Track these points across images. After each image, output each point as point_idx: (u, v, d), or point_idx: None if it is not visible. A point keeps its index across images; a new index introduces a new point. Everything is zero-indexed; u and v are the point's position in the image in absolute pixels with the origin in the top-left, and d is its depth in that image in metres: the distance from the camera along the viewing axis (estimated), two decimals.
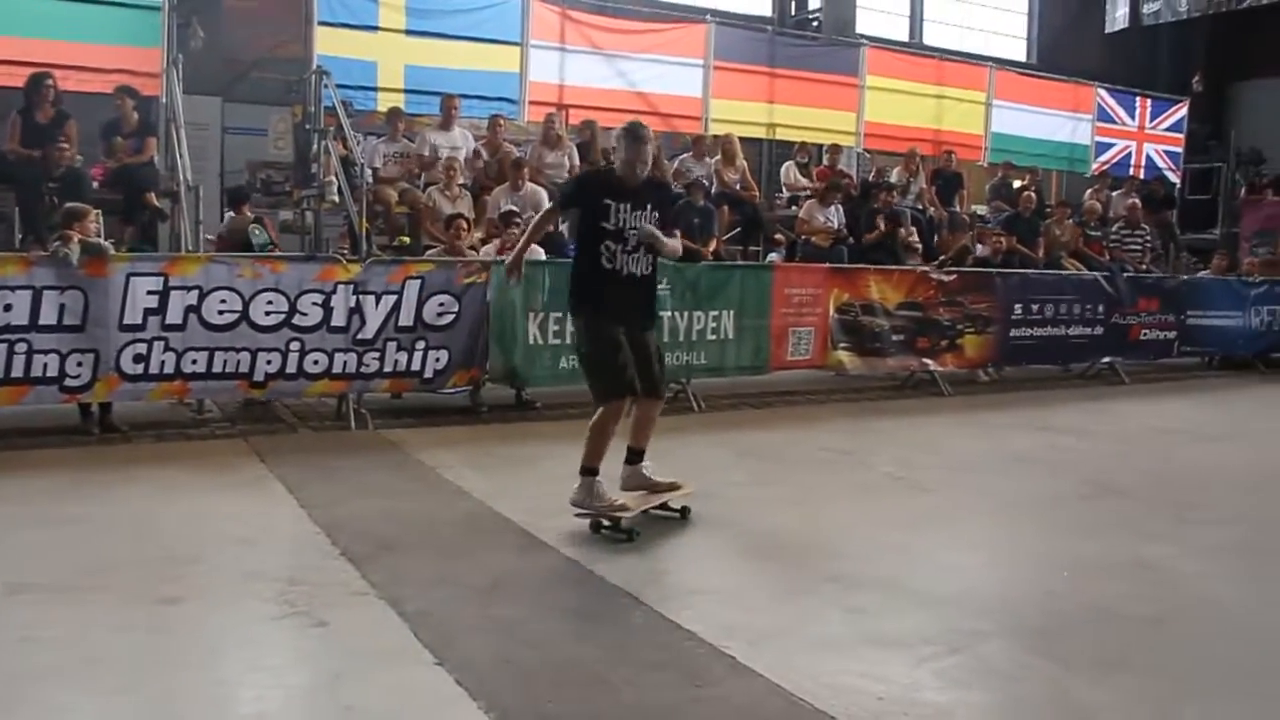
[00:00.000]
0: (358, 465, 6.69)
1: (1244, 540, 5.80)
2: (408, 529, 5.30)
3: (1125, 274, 12.78)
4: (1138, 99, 16.51)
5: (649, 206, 5.38)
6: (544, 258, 8.78)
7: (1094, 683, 3.73)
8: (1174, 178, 17.09)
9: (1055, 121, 15.42)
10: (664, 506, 5.62)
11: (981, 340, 11.07)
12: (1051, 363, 12.29)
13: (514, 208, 9.31)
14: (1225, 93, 23.30)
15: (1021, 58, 21.22)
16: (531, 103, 11.21)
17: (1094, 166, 15.86)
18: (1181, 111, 17.05)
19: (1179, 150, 17.09)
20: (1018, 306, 11.35)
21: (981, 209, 14.82)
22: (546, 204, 9.85)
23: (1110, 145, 16.11)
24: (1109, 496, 6.72)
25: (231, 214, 10.33)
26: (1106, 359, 12.36)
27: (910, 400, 10.42)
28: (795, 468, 7.19)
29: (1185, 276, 13.98)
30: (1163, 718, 3.53)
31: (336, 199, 9.05)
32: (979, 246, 12.82)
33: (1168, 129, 16.88)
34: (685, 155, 11.99)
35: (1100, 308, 12.04)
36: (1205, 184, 19.59)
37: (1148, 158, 16.62)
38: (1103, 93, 15.94)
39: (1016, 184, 14.40)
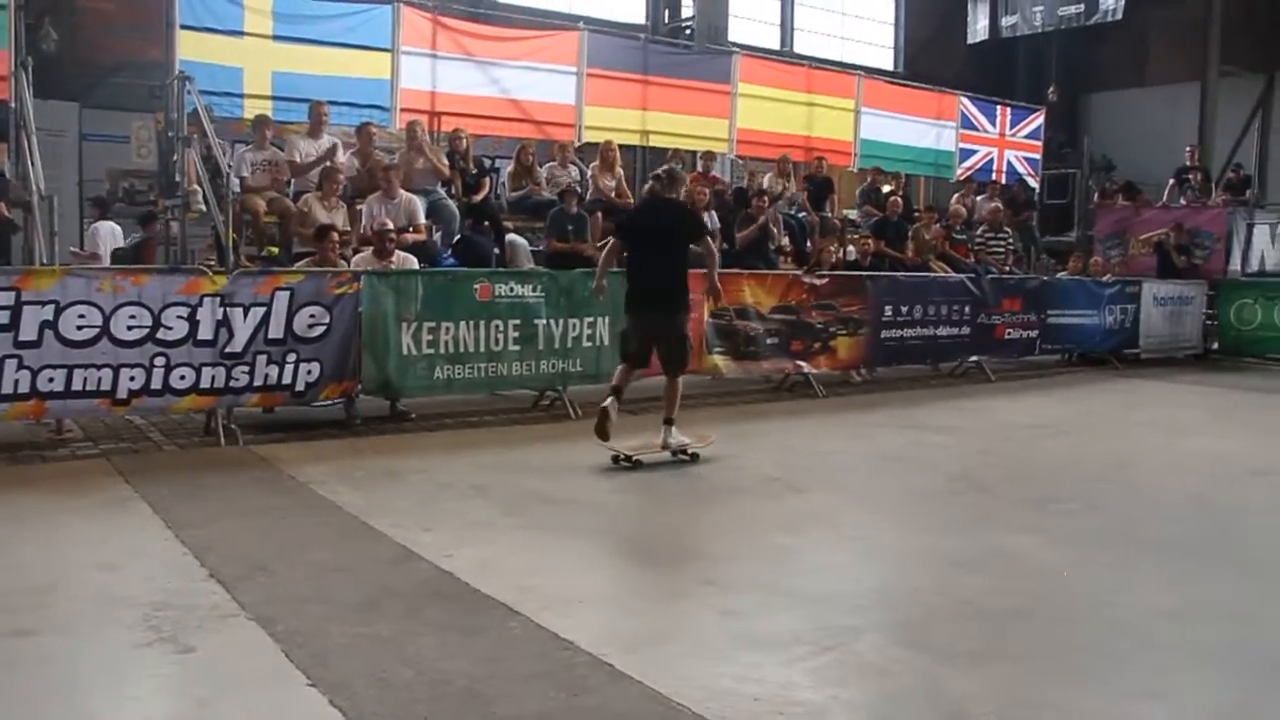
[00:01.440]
0: (227, 483, 6.50)
1: (1098, 529, 6.04)
2: (280, 547, 5.16)
3: (989, 275, 13.20)
4: (998, 108, 17.06)
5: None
6: (416, 266, 8.67)
7: (962, 673, 3.83)
8: (1033, 183, 17.71)
9: (921, 128, 15.85)
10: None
11: (853, 342, 11.30)
12: (921, 362, 12.62)
13: (388, 222, 9.13)
14: (1078, 103, 24.39)
15: (889, 66, 21.83)
16: (403, 110, 11.04)
17: (958, 172, 16.34)
18: (1039, 120, 17.69)
19: (1037, 157, 17.73)
20: (888, 308, 11.62)
21: (852, 213, 15.16)
22: (419, 212, 9.81)
23: (973, 151, 16.61)
24: (975, 491, 6.92)
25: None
26: (973, 358, 12.74)
27: (785, 402, 10.57)
28: (670, 472, 7.21)
29: (1045, 277, 14.50)
30: (1026, 704, 3.64)
31: (203, 208, 8.78)
32: (849, 250, 13.10)
33: (1027, 136, 17.49)
34: (552, 163, 11.95)
35: (967, 308, 12.41)
36: (1062, 189, 20.41)
37: (1009, 164, 17.19)
38: (966, 101, 16.44)
39: (885, 189, 14.74)
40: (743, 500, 6.48)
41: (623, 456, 7.17)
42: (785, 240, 12.69)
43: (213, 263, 8.25)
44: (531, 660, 3.84)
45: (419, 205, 9.98)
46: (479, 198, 11.10)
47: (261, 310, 7.63)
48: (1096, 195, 18.62)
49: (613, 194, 11.90)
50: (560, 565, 5.03)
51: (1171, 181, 17.51)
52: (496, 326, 8.73)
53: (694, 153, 13.57)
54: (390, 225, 9.11)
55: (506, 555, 5.15)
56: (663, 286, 7.35)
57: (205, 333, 7.44)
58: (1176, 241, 15.84)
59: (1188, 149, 17.93)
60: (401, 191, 9.85)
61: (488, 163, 12.31)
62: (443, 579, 4.75)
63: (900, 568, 5.33)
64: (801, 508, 6.33)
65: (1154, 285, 14.97)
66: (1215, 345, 15.75)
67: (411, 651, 3.88)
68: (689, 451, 7.46)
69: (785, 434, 8.82)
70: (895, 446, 8.35)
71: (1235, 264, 16.00)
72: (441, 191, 10.75)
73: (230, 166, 9.27)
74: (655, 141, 13.13)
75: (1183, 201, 17.00)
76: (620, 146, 12.34)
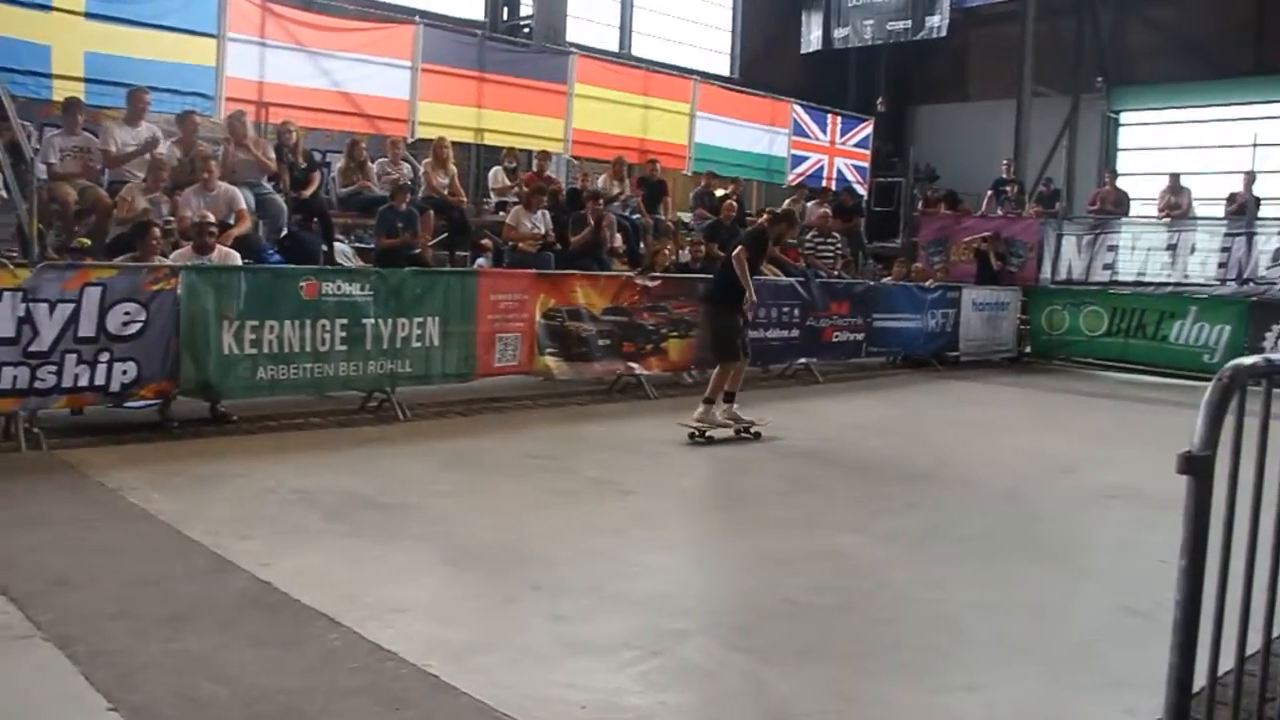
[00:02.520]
0: (28, 491, 6.10)
1: (919, 526, 6.26)
2: (84, 560, 4.86)
3: (819, 279, 13.53)
4: (829, 116, 17.57)
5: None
6: (239, 262, 8.34)
7: (787, 674, 3.89)
8: (861, 190, 18.30)
9: (755, 134, 16.18)
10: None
11: (685, 344, 11.39)
12: (752, 364, 12.77)
13: (209, 215, 8.75)
14: (905, 114, 25.30)
15: (725, 72, 22.15)
16: (228, 99, 10.63)
17: (790, 177, 16.74)
18: (868, 129, 18.28)
19: (866, 165, 18.33)
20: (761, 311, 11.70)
21: (685, 216, 15.32)
22: (240, 201, 9.43)
23: (805, 158, 17.05)
24: (804, 491, 7.06)
25: None
26: (803, 360, 13.03)
27: (617, 404, 10.58)
28: (500, 476, 7.13)
29: (871, 282, 14.94)
30: (847, 701, 3.71)
31: (3, 194, 8.23)
32: (683, 252, 13.23)
33: (856, 145, 18.05)
34: (383, 159, 11.69)
35: (796, 311, 12.67)
36: (888, 197, 21.12)
37: (838, 171, 17.72)
38: (798, 109, 16.86)
39: (719, 192, 14.95)
40: (572, 503, 6.44)
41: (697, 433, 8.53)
42: (619, 242, 12.72)
43: (15, 254, 7.72)
44: (353, 674, 3.72)
45: (240, 196, 9.60)
46: (308, 193, 10.77)
47: (70, 307, 7.19)
48: (920, 203, 19.37)
49: (445, 192, 11.72)
50: (385, 573, 4.89)
51: (990, 192, 18.31)
52: (323, 326, 8.44)
53: (529, 152, 13.50)
54: (211, 218, 8.73)
55: (329, 563, 4.98)
56: (711, 291, 9.33)
57: (6, 330, 6.96)
58: (994, 249, 16.58)
59: (1004, 162, 18.79)
60: (220, 183, 9.46)
61: (318, 157, 11.94)
62: (261, 589, 4.56)
63: (728, 569, 5.39)
64: (630, 510, 6.33)
65: (973, 291, 15.62)
66: (1028, 349, 16.52)
67: (225, 667, 3.71)
68: (746, 429, 8.83)
69: (616, 435, 8.81)
70: (725, 448, 8.45)
71: (1046, 272, 16.83)
72: (268, 186, 10.38)
73: (36, 150, 8.72)
74: (490, 140, 13.02)
75: (1000, 212, 17.80)
76: (454, 144, 12.17)
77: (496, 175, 13.33)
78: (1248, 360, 2.63)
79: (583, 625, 4.30)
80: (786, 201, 16.24)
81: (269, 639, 4.01)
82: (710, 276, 9.82)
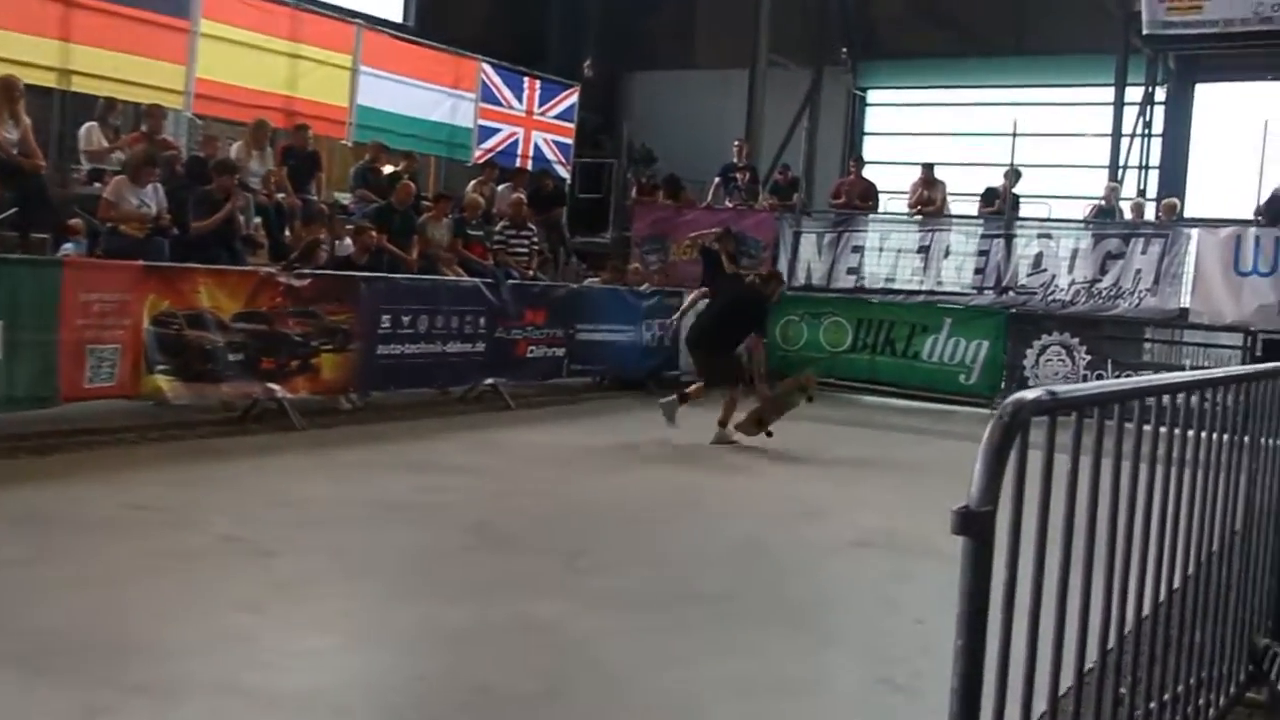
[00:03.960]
0: None
1: (634, 589, 6.28)
2: None
3: (510, 281, 13.54)
4: (526, 80, 17.70)
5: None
6: None
7: None
8: (564, 172, 18.53)
9: (434, 98, 16.07)
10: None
11: (342, 360, 11.15)
12: (428, 385, 12.67)
13: None
14: (618, 82, 25.85)
15: (397, 18, 21.84)
16: None
17: (477, 154, 16.74)
18: (572, 98, 18.55)
19: (569, 142, 18.57)
20: (386, 318, 11.56)
21: (345, 198, 15.03)
22: None
23: (495, 130, 17.08)
24: (495, 547, 7.01)
25: None
26: (490, 380, 12.99)
27: (253, 437, 10.25)
28: (92, 534, 6.67)
29: (575, 285, 15.11)
30: None
31: None
32: (345, 243, 12.92)
33: (557, 117, 18.26)
34: None
35: (482, 320, 12.63)
36: (597, 181, 21.50)
37: (536, 148, 17.85)
38: (488, 69, 16.88)
39: (389, 170, 14.78)
40: (193, 569, 6.11)
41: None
42: (257, 228, 12.28)
43: None
44: None
45: None
46: None
47: None
48: (635, 191, 19.76)
49: (15, 150, 10.87)
50: None
51: (717, 179, 18.92)
52: None
53: (137, 106, 12.81)
54: None
55: None
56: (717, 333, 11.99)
57: None
58: (725, 248, 17.08)
59: (735, 144, 19.46)
60: None
61: None
62: None
63: (400, 649, 5.24)
64: (273, 576, 6.11)
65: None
66: None
67: None
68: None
69: (252, 478, 8.55)
70: (395, 492, 8.29)
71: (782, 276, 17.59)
72: None
73: None
74: (81, 85, 12.26)
75: (729, 203, 18.43)
76: (28, 87, 11.31)
77: (91, 134, 12.55)
78: (1030, 394, 2.71)
79: None
80: (472, 183, 16.24)
81: None
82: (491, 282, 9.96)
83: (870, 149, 24.09)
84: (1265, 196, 15.62)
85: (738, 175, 18.83)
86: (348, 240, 13.05)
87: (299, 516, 7.46)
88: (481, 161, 16.83)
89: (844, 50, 23.67)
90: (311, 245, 11.89)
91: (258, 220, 12.51)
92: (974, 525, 2.37)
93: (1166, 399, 3.46)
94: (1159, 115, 21.76)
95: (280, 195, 13.11)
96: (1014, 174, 17.19)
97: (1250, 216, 15.71)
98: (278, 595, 5.76)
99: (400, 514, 7.71)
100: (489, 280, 13.19)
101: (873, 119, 25.15)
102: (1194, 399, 3.90)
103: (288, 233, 12.77)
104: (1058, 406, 2.85)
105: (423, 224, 13.68)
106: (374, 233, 12.60)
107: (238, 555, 6.46)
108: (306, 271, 11.07)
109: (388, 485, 8.51)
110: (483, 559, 6.72)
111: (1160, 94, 21.44)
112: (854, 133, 24.60)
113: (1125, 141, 20.54)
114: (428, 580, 6.29)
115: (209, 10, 13.05)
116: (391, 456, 9.66)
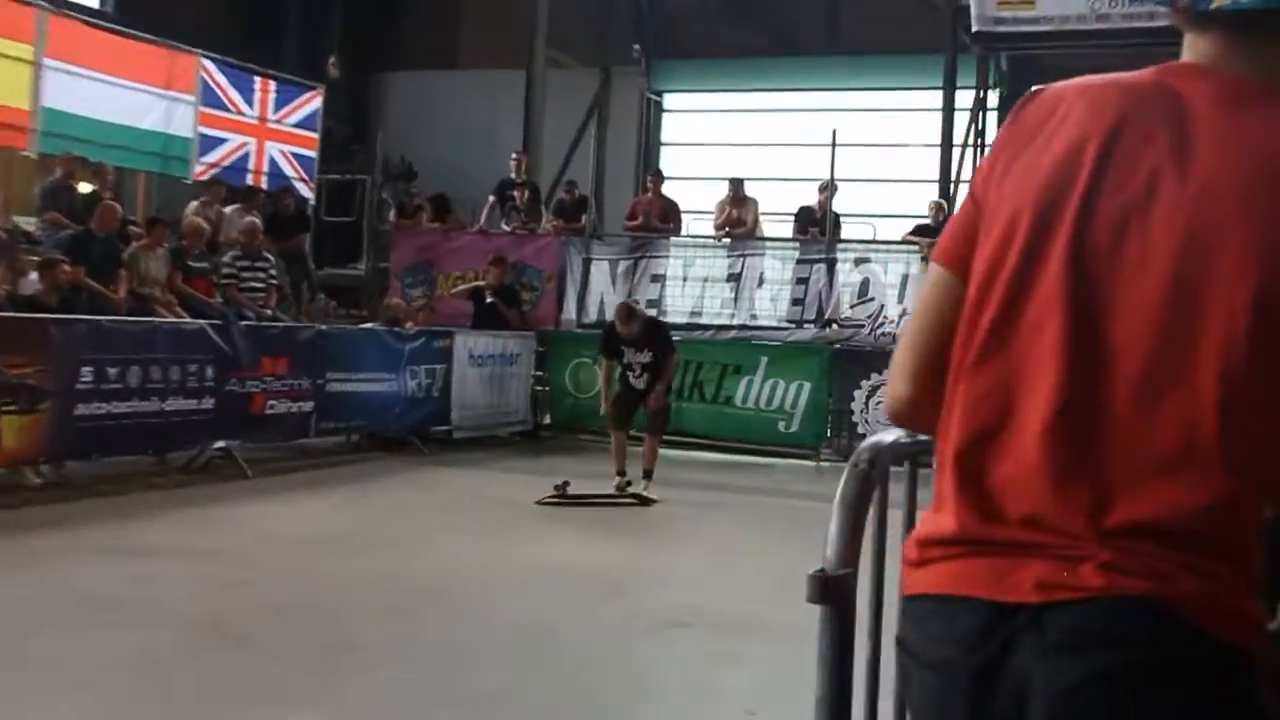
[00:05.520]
0: None
1: (410, 687, 6.16)
2: None
3: (244, 322, 13.22)
4: (259, 81, 17.39)
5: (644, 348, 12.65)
6: None
7: None
8: (307, 191, 18.23)
9: (144, 100, 15.67)
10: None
11: (29, 423, 10.67)
12: (140, 452, 12.29)
13: None
14: (370, 84, 25.71)
15: (93, 2, 21.24)
16: None
17: (198, 169, 16.36)
18: (315, 103, 18.31)
19: (313, 155, 18.32)
20: (87, 370, 11.07)
21: (29, 222, 14.54)
22: None
23: (221, 140, 16.73)
24: (229, 647, 6.77)
25: None
26: (221, 443, 12.63)
27: None
28: None
29: (323, 326, 14.84)
30: None
31: None
32: (30, 278, 12.47)
33: (298, 125, 18.01)
34: None
35: (210, 371, 12.25)
36: (347, 202, 21.33)
37: (272, 161, 17.55)
38: (210, 66, 16.52)
39: (86, 188, 14.37)
40: None
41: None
42: None
43: None
44: None
45: None
46: None
47: None
48: (394, 213, 19.58)
49: None
50: None
51: (492, 199, 18.95)
52: None
53: None
54: None
55: None
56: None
57: None
58: (496, 281, 17.00)
59: (513, 158, 19.47)
60: None
61: None
62: None
63: None
64: None
65: (470, 338, 16.02)
66: (547, 419, 17.15)
67: None
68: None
69: None
70: (103, 586, 7.94)
71: (570, 311, 17.64)
72: None
73: None
74: None
75: (506, 226, 18.42)
76: None
77: None
78: (888, 437, 2.74)
79: None
80: (193, 205, 15.86)
81: None
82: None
83: (670, 162, 24.34)
84: None
85: (516, 193, 18.87)
86: (33, 275, 12.56)
87: None
88: (205, 178, 16.46)
89: (636, 47, 23.95)
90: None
91: None
92: (833, 592, 2.36)
93: None
94: (992, 122, 22.35)
95: None
96: (831, 188, 17.39)
97: None
98: None
99: (110, 612, 7.37)
100: (217, 322, 12.83)
101: (671, 127, 25.50)
102: None
103: None
104: (919, 451, 2.86)
105: (132, 254, 13.35)
106: (67, 266, 12.19)
107: None
108: None
109: (93, 577, 8.15)
110: (217, 663, 6.45)
111: (993, 99, 22.07)
112: (650, 143, 24.89)
113: (956, 152, 21.13)
114: (144, 691, 6.00)
115: None
116: (97, 541, 9.25)
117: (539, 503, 11.61)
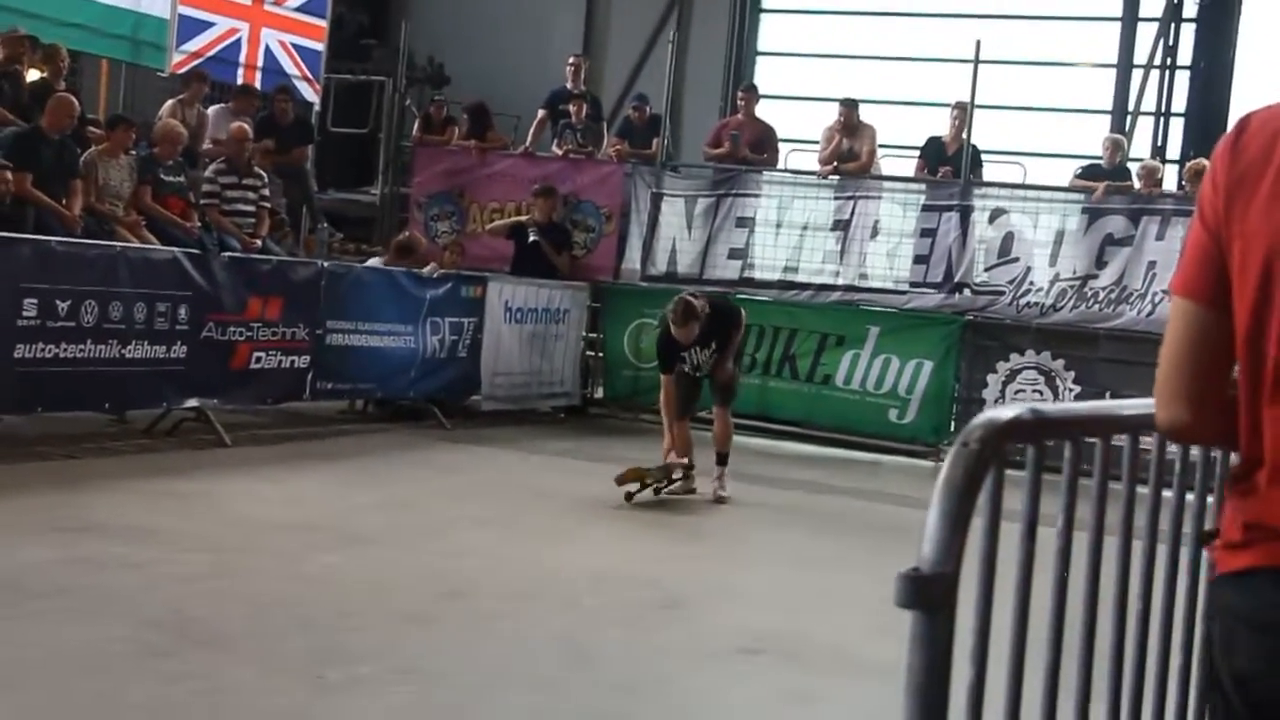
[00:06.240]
0: None
1: (410, 708, 6.24)
2: None
3: (227, 253, 13.35)
4: None
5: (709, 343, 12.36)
6: None
7: None
8: (311, 93, 18.24)
9: None
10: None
11: None
12: (94, 408, 12.47)
13: None
14: None
15: None
16: None
17: (176, 59, 16.39)
18: None
19: (319, 48, 18.31)
20: (30, 303, 11.16)
21: None
22: None
23: (207, 24, 16.78)
24: (195, 651, 6.85)
25: None
26: (193, 402, 12.73)
27: None
28: None
29: (326, 263, 14.87)
30: None
31: None
32: None
33: (301, 8, 18.01)
34: None
35: (183, 311, 12.35)
36: (360, 110, 21.27)
37: (268, 53, 17.58)
38: None
39: (35, 75, 14.55)
40: None
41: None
42: None
43: None
44: None
45: None
46: None
47: None
48: (418, 126, 19.55)
49: None
50: None
51: (542, 113, 18.84)
52: None
53: None
54: None
55: None
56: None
57: None
58: (543, 217, 16.95)
59: (570, 62, 19.35)
60: None
61: None
62: None
63: None
64: None
65: (507, 287, 16.05)
66: (600, 392, 17.33)
67: None
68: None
69: None
70: (42, 570, 8.03)
71: (634, 260, 17.54)
72: None
73: None
74: None
75: (558, 149, 18.33)
76: None
77: None
78: (1005, 413, 2.65)
79: None
80: (169, 104, 15.94)
81: None
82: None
83: (766, 76, 24.15)
84: None
85: (571, 108, 18.68)
86: None
87: None
88: (183, 70, 16.52)
89: None
90: None
91: None
92: (928, 594, 2.32)
93: None
94: (1187, 37, 21.84)
95: None
96: (970, 116, 16.81)
97: None
98: None
99: (51, 601, 7.48)
100: (193, 251, 12.92)
101: (770, 31, 25.25)
102: None
103: None
104: (1045, 430, 2.85)
105: (90, 161, 13.42)
106: (9, 173, 12.34)
107: None
108: None
109: (30, 558, 8.24)
110: (178, 669, 6.53)
111: (1190, 7, 21.57)
112: (743, 52, 24.67)
113: (1137, 75, 20.67)
114: (87, 700, 6.10)
115: None
116: (36, 515, 9.36)
117: (628, 496, 11.60)
